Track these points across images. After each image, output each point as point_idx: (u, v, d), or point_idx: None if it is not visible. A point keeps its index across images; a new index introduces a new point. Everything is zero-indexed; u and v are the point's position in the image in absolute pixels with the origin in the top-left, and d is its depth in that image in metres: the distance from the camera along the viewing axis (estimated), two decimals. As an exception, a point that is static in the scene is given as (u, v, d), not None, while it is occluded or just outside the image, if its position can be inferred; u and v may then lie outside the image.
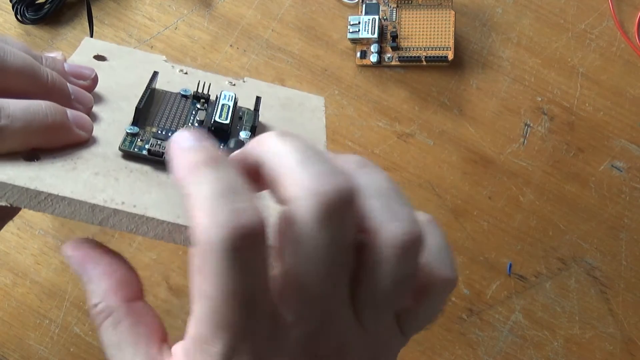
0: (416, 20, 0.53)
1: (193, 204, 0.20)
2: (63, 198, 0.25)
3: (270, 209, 0.22)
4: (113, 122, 0.32)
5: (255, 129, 0.33)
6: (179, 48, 0.53)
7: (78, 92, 0.31)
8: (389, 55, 0.52)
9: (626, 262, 0.50)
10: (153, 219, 0.25)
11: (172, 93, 0.35)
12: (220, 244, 0.19)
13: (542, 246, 0.50)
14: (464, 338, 0.49)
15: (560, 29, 0.53)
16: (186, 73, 0.38)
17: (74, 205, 0.25)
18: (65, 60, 0.34)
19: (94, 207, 0.25)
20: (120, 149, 0.29)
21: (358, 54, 0.53)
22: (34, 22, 0.53)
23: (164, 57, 0.39)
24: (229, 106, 0.32)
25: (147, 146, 0.29)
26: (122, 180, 0.27)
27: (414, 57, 0.52)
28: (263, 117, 0.35)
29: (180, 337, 0.24)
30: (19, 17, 0.52)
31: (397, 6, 0.53)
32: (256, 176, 0.23)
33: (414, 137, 0.52)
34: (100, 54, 0.37)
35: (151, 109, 0.33)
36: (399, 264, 0.22)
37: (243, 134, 0.32)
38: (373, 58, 0.52)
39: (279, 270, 0.22)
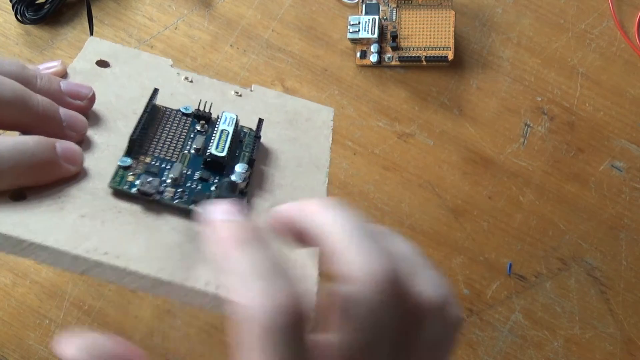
0: (416, 20, 0.53)
1: (233, 281, 0.22)
2: (46, 247, 0.25)
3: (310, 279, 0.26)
4: (107, 147, 0.31)
5: (253, 162, 0.32)
6: (179, 48, 0.53)
7: (71, 118, 0.30)
8: (389, 55, 0.52)
9: (626, 262, 0.49)
10: (135, 272, 0.25)
11: (172, 110, 0.34)
12: (264, 322, 0.21)
13: (542, 246, 0.50)
14: (464, 338, 0.49)
15: (560, 29, 0.53)
16: (191, 81, 0.37)
17: (56, 255, 0.25)
18: (65, 68, 0.33)
19: (76, 257, 0.25)
20: (110, 186, 0.28)
21: (358, 54, 0.53)
22: (34, 22, 0.53)
23: (170, 62, 0.38)
24: (228, 133, 0.32)
25: (137, 182, 0.29)
26: (109, 224, 0.27)
27: (414, 57, 0.52)
28: (266, 137, 0.35)
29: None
30: (19, 17, 0.52)
31: (397, 6, 0.53)
32: (298, 235, 0.26)
33: (414, 137, 0.52)
34: (104, 56, 0.36)
35: (148, 130, 0.32)
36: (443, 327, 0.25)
37: (239, 168, 0.31)
38: (373, 58, 0.52)
39: (330, 341, 0.23)
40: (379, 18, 0.52)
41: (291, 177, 0.33)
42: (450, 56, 0.52)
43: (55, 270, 0.51)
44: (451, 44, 0.52)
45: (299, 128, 0.37)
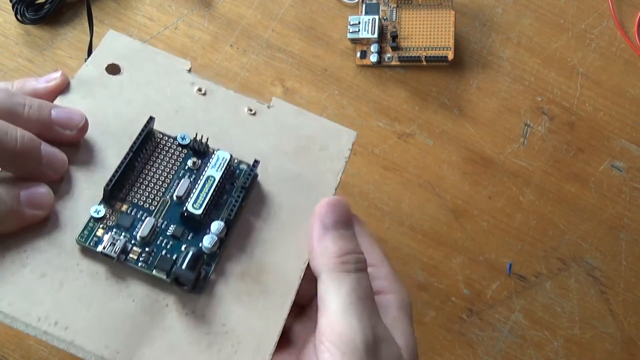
0: (416, 20, 0.53)
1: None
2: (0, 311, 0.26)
3: None
4: (89, 186, 0.30)
5: (231, 223, 0.30)
6: (179, 48, 0.53)
7: (51, 156, 0.28)
8: (389, 55, 0.52)
9: (626, 262, 0.49)
10: (81, 347, 0.26)
11: (168, 139, 0.32)
12: None
13: (542, 246, 0.50)
14: (464, 338, 0.49)
15: (560, 29, 0.53)
16: (204, 93, 0.34)
17: (10, 318, 0.26)
18: (67, 80, 0.32)
19: (27, 324, 0.26)
20: (76, 241, 0.28)
21: (358, 54, 0.53)
22: (34, 22, 0.53)
23: (188, 65, 0.35)
24: (213, 181, 0.30)
25: (105, 239, 0.28)
26: (67, 287, 0.27)
27: (414, 57, 0.52)
28: (265, 174, 0.32)
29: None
30: (19, 17, 0.52)
31: (397, 6, 0.53)
32: None
33: (414, 137, 0.52)
34: (119, 56, 0.34)
35: (136, 163, 0.31)
36: None
37: (215, 227, 0.29)
38: (373, 58, 0.52)
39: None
40: (379, 18, 0.52)
41: (278, 230, 0.31)
42: (450, 56, 0.52)
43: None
44: (451, 44, 0.52)
45: (308, 159, 0.33)
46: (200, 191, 0.30)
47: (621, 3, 0.53)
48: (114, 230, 0.29)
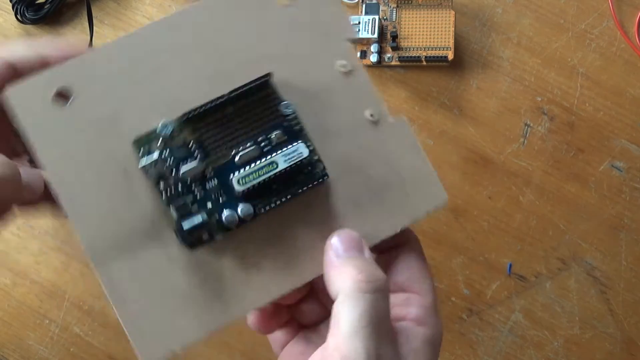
0: (416, 20, 0.53)
1: None
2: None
3: None
4: (183, 102, 0.28)
5: (260, 215, 0.28)
6: (179, 48, 0.53)
7: (29, 182, 0.29)
8: (389, 55, 0.52)
9: (626, 262, 0.50)
10: (78, 230, 0.27)
11: (275, 99, 0.29)
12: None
13: (542, 246, 0.50)
14: (464, 338, 0.49)
15: (560, 29, 0.53)
16: (345, 72, 0.30)
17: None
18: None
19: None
20: (132, 142, 0.28)
21: (358, 54, 0.53)
22: (34, 22, 0.53)
23: (351, 32, 0.30)
24: (274, 169, 0.27)
25: (155, 155, 0.27)
26: (102, 178, 0.28)
27: (414, 57, 0.52)
28: (339, 186, 0.29)
29: None
30: (19, 17, 0.52)
31: (397, 6, 0.53)
32: None
33: (414, 137, 0.52)
34: None
35: (230, 105, 0.28)
36: None
37: (243, 208, 0.28)
38: (373, 58, 0.52)
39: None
40: (379, 18, 0.52)
41: (301, 244, 0.29)
42: (450, 56, 0.52)
43: (55, 270, 0.51)
44: (451, 44, 0.52)
45: (385, 198, 0.30)
46: (255, 171, 0.27)
47: (621, 3, 0.53)
48: (167, 152, 0.28)
